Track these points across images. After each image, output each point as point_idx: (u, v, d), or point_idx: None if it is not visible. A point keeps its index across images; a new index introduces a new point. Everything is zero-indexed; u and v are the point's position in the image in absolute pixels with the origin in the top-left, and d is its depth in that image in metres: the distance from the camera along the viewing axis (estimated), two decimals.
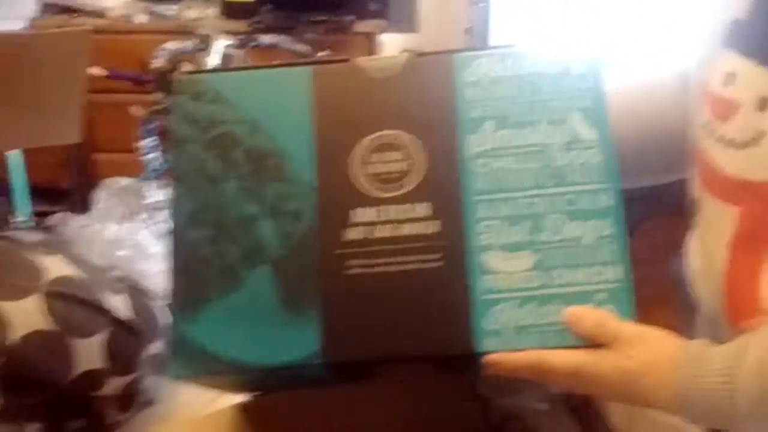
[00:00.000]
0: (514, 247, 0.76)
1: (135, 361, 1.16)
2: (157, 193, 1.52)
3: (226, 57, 2.28)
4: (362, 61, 0.83)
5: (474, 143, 0.79)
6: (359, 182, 0.78)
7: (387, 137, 0.79)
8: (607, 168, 0.78)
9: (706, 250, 0.83)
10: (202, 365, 0.77)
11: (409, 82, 0.81)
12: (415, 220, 0.77)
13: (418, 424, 1.03)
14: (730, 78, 0.78)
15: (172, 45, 2.21)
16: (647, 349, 0.72)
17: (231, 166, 0.80)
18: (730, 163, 0.77)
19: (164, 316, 1.26)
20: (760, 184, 0.74)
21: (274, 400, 0.96)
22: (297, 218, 0.78)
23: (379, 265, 0.77)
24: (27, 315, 1.01)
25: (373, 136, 0.79)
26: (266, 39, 2.52)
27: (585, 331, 0.74)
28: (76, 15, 3.11)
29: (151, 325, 1.20)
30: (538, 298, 0.75)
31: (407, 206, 0.78)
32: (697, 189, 0.84)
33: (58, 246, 1.14)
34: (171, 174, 0.82)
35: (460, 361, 0.78)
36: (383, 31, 3.40)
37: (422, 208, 0.77)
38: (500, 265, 0.76)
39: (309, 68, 0.83)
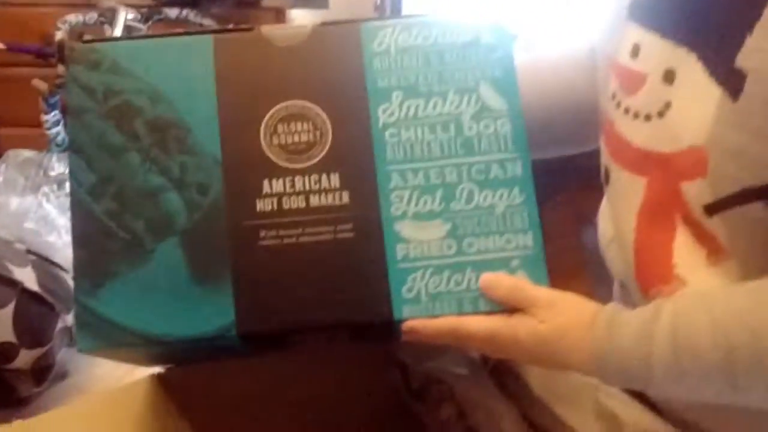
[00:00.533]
0: (426, 216, 0.77)
1: (46, 333, 1.14)
2: (61, 166, 1.49)
3: (130, 30, 2.23)
4: (267, 29, 0.81)
5: (383, 113, 0.79)
6: (267, 153, 0.78)
7: (293, 107, 0.79)
8: (516, 137, 0.79)
9: (617, 220, 0.84)
10: (112, 338, 0.76)
11: (315, 51, 0.80)
12: (325, 191, 0.77)
13: (337, 392, 1.04)
14: (635, 50, 0.79)
15: (74, 17, 2.15)
16: (562, 313, 0.73)
17: (132, 138, 0.79)
18: (637, 134, 0.78)
19: (72, 288, 1.23)
20: (665, 155, 0.75)
21: (190, 370, 0.96)
22: (204, 190, 0.77)
23: (290, 236, 0.76)
24: None
25: (278, 106, 0.79)
26: (172, 12, 2.47)
27: (500, 296, 0.76)
28: None
29: (60, 298, 1.19)
30: (453, 265, 0.76)
31: (316, 177, 0.77)
32: (606, 159, 0.85)
33: None
34: (69, 145, 0.80)
35: (377, 331, 0.79)
36: (293, 6, 3.36)
37: (332, 179, 0.77)
38: (414, 234, 0.77)
39: (210, 36, 0.81)
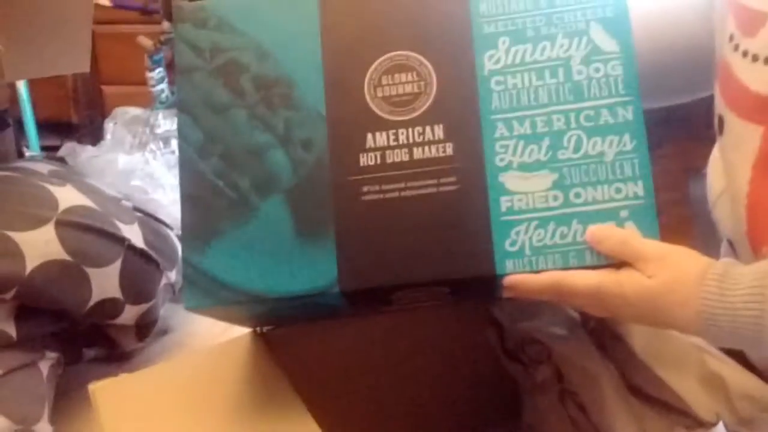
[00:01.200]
0: (532, 167, 0.75)
1: (151, 290, 1.17)
2: (167, 123, 1.51)
3: None
4: None
5: (489, 60, 0.77)
6: (371, 106, 0.77)
7: (398, 58, 0.78)
8: (628, 81, 0.76)
9: (730, 172, 0.81)
10: (218, 296, 0.77)
11: (419, 0, 0.79)
12: (429, 143, 0.76)
13: (434, 350, 1.04)
14: None
15: None
16: (671, 267, 0.70)
17: (238, 95, 0.79)
18: (756, 79, 0.75)
19: (179, 246, 1.26)
20: None
21: (291, 329, 0.97)
22: (308, 146, 0.77)
23: (393, 190, 0.76)
24: (40, 245, 1.01)
25: (383, 57, 0.78)
26: None
27: (607, 249, 0.73)
28: None
29: (165, 255, 1.21)
30: (559, 217, 0.74)
31: (420, 129, 0.76)
32: (721, 107, 0.82)
33: (68, 177, 1.14)
34: (177, 104, 0.81)
35: (479, 286, 0.78)
36: None
37: (435, 131, 0.76)
38: (519, 186, 0.75)
39: None
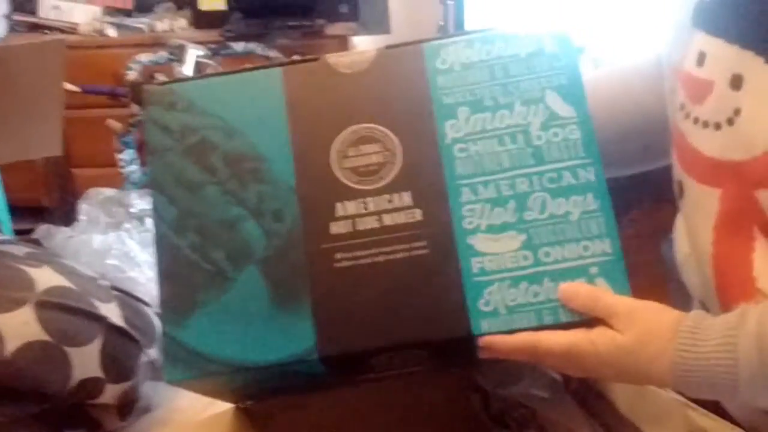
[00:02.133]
0: (500, 229, 0.77)
1: (132, 367, 1.16)
2: (141, 203, 1.52)
3: (199, 66, 2.27)
4: (332, 57, 0.83)
5: (450, 129, 0.80)
6: (339, 177, 0.79)
7: (362, 131, 0.80)
8: (586, 143, 0.79)
9: (693, 234, 0.83)
10: (198, 368, 0.78)
11: (380, 75, 0.82)
12: (397, 209, 0.78)
13: (417, 419, 1.04)
14: (701, 58, 0.79)
15: (144, 57, 2.20)
16: (643, 322, 0.72)
17: (210, 172, 0.81)
18: (708, 144, 0.77)
19: (158, 323, 1.25)
20: (737, 164, 0.74)
21: (272, 403, 0.96)
22: (280, 217, 0.79)
23: (366, 256, 0.77)
24: (19, 326, 1.01)
25: (348, 130, 0.80)
26: (239, 47, 2.52)
27: (579, 306, 0.74)
28: (45, 32, 3.10)
29: (144, 332, 1.20)
30: (530, 276, 0.76)
31: (387, 197, 0.78)
32: (679, 173, 0.84)
33: (44, 258, 1.14)
34: (150, 184, 0.82)
35: (456, 348, 0.79)
36: (355, 33, 3.41)
37: (403, 198, 0.78)
38: (488, 247, 0.77)
39: (279, 69, 0.84)
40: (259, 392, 0.93)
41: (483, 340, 0.75)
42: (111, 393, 1.13)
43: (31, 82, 1.22)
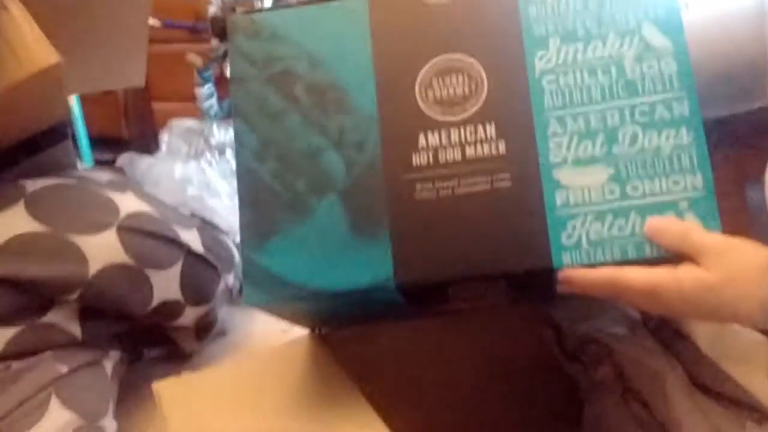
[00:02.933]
0: (587, 162, 0.76)
1: (210, 292, 1.19)
2: (221, 134, 1.53)
3: (279, 0, 2.28)
4: None
5: (539, 61, 0.78)
6: (422, 108, 0.79)
7: (448, 61, 0.79)
8: (682, 76, 0.77)
9: None
10: (277, 292, 0.79)
11: (469, 4, 0.81)
12: (481, 141, 0.77)
13: (491, 353, 1.04)
14: None
15: None
16: (733, 260, 0.69)
17: (292, 101, 0.81)
18: None
19: (236, 251, 1.28)
20: None
21: (348, 330, 0.98)
22: (361, 148, 0.79)
23: (446, 188, 0.77)
24: (103, 249, 1.03)
25: (433, 61, 0.79)
26: None
27: (667, 242, 0.72)
28: None
29: (223, 259, 1.23)
30: (616, 210, 0.75)
31: (471, 128, 0.77)
32: None
33: (127, 185, 1.16)
34: (233, 112, 0.83)
35: (536, 281, 0.78)
36: None
37: (488, 130, 0.77)
38: (574, 180, 0.75)
39: None
40: (336, 319, 0.94)
41: (563, 273, 0.74)
42: (190, 315, 1.16)
43: (116, 11, 1.23)
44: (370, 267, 0.77)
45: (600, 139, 0.76)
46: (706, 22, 0.94)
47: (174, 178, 1.30)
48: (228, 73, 1.99)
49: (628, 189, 0.75)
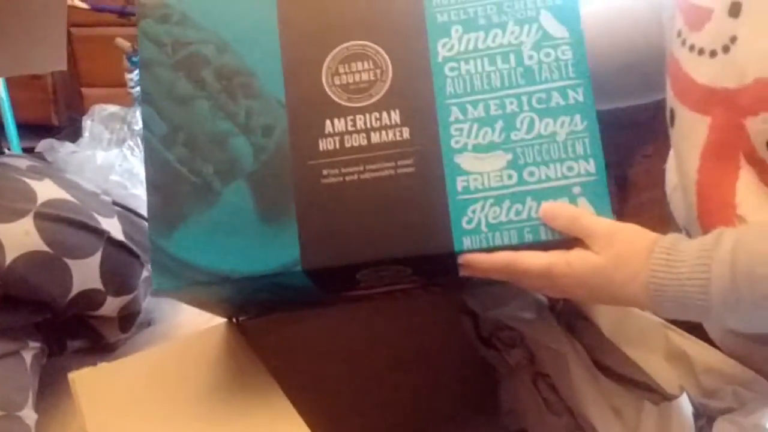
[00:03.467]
0: (487, 148, 0.78)
1: (132, 281, 1.19)
2: None
3: None
4: None
5: (442, 48, 0.80)
6: (329, 94, 0.80)
7: (354, 48, 0.80)
8: (577, 64, 0.78)
9: (680, 162, 0.83)
10: (185, 277, 0.79)
11: None
12: (386, 127, 0.78)
13: (410, 339, 1.06)
14: None
15: None
16: (620, 243, 0.73)
17: (201, 86, 0.81)
18: (702, 71, 0.77)
19: None
20: (729, 91, 0.74)
21: (268, 319, 0.98)
22: (269, 133, 0.80)
23: (352, 173, 0.78)
24: (20, 236, 1.03)
25: (339, 47, 0.80)
26: None
27: (560, 226, 0.75)
28: None
29: (145, 248, 1.22)
30: (513, 195, 0.77)
31: (377, 114, 0.79)
32: (671, 101, 0.84)
33: (46, 171, 1.16)
34: (141, 97, 0.83)
35: (439, 265, 0.80)
36: None
37: (392, 116, 0.78)
38: (474, 166, 0.77)
39: None
40: (251, 307, 0.95)
41: (463, 258, 0.76)
42: (111, 305, 1.15)
43: None
44: (277, 253, 0.77)
45: (499, 125, 0.78)
46: (610, 11, 0.96)
47: (95, 166, 1.30)
48: None
49: (525, 174, 0.77)
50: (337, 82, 0.79)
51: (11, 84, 2.32)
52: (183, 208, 0.79)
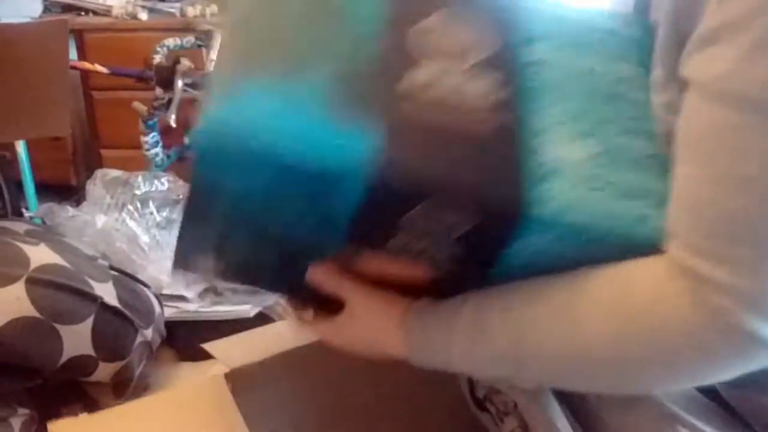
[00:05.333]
0: (582, 135, 0.76)
1: (125, 347, 1.17)
2: (146, 185, 1.53)
3: None
4: None
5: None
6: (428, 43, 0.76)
7: (461, 11, 0.78)
8: None
9: None
10: (232, 142, 0.67)
11: None
12: (480, 86, 0.74)
13: (409, 401, 1.04)
14: None
15: (171, 41, 2.21)
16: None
17: None
18: None
19: (157, 304, 1.27)
20: None
21: (256, 369, 0.97)
22: (369, 21, 0.75)
23: (436, 112, 0.72)
24: (10, 302, 1.02)
25: (448, 9, 0.78)
26: None
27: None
28: (81, 13, 3.12)
29: (141, 313, 1.22)
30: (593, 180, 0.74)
31: (475, 72, 0.75)
32: None
33: (43, 236, 1.16)
34: None
35: (494, 232, 0.74)
36: None
37: (489, 78, 0.75)
38: (563, 146, 0.75)
39: None
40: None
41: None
42: (104, 371, 1.14)
43: (36, 61, 1.23)
44: (347, 152, 0.68)
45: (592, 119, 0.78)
46: None
47: (96, 230, 1.30)
48: (173, 123, 2.01)
49: (609, 168, 0.75)
50: (440, 39, 0.77)
51: (31, 145, 2.36)
52: (259, 62, 0.72)
